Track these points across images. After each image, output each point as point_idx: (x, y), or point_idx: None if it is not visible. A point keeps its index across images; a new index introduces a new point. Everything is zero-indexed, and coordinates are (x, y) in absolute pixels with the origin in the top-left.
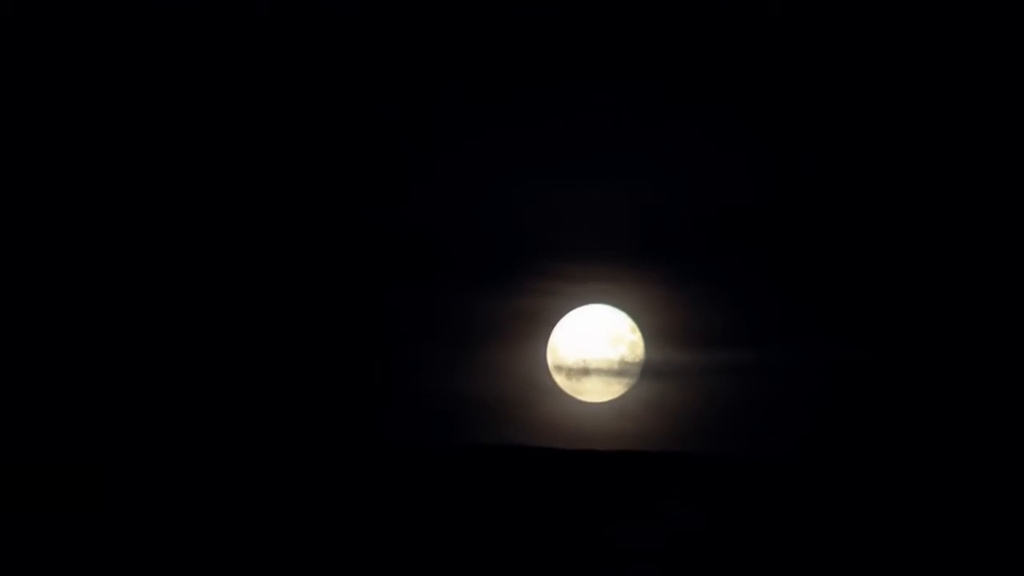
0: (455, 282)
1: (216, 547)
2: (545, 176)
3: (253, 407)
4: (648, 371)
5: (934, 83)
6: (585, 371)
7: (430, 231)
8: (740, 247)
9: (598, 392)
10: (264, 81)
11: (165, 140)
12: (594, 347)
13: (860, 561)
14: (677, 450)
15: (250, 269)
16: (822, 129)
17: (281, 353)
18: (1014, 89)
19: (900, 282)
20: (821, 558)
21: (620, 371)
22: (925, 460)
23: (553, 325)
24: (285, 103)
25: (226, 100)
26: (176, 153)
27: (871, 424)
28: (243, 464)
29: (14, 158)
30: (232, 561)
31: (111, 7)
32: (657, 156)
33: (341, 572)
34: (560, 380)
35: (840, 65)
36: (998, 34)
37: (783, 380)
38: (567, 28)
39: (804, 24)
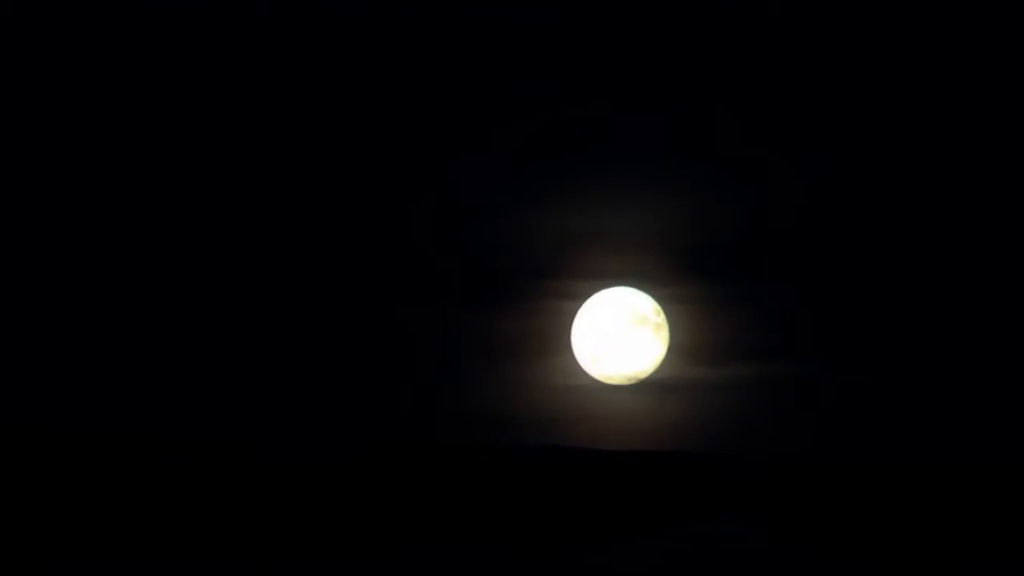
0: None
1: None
2: (564, 196)
3: (309, 424)
4: (671, 356)
5: (971, 123)
6: (609, 354)
7: (451, 250)
8: (765, 264)
9: (622, 375)
10: (265, 84)
11: (163, 141)
12: (618, 327)
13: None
14: (698, 450)
15: (287, 293)
16: (851, 151)
17: (329, 375)
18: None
19: (916, 298)
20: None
21: (643, 354)
22: (941, 470)
23: (577, 309)
24: (290, 109)
25: (226, 103)
26: (174, 156)
27: (884, 434)
28: (293, 480)
29: (16, 157)
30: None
31: (111, 7)
32: (679, 174)
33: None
34: (585, 362)
35: (871, 91)
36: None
37: (806, 391)
38: (584, 39)
39: (824, 40)
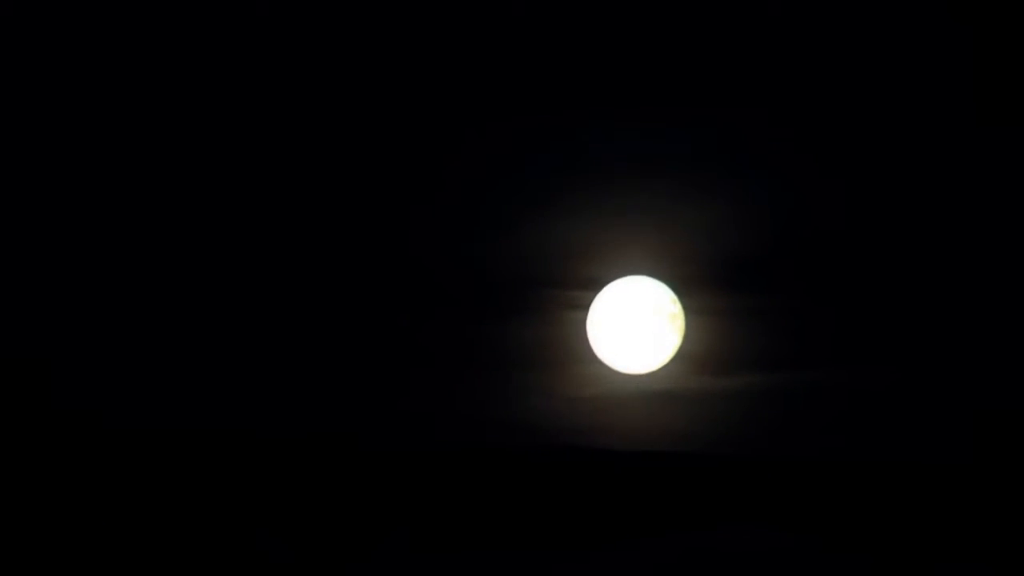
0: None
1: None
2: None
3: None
4: (687, 346)
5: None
6: (625, 341)
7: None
8: (782, 278)
9: (638, 364)
10: (269, 91)
11: (161, 141)
12: (634, 317)
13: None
14: (722, 451)
15: (301, 300)
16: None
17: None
18: None
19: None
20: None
21: (659, 345)
22: (958, 473)
23: (593, 297)
24: (302, 117)
25: (227, 105)
26: (175, 164)
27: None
28: (314, 489)
29: (14, 156)
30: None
31: (111, 6)
32: (691, 187)
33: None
34: (600, 351)
35: (893, 99)
36: None
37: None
38: (605, 41)
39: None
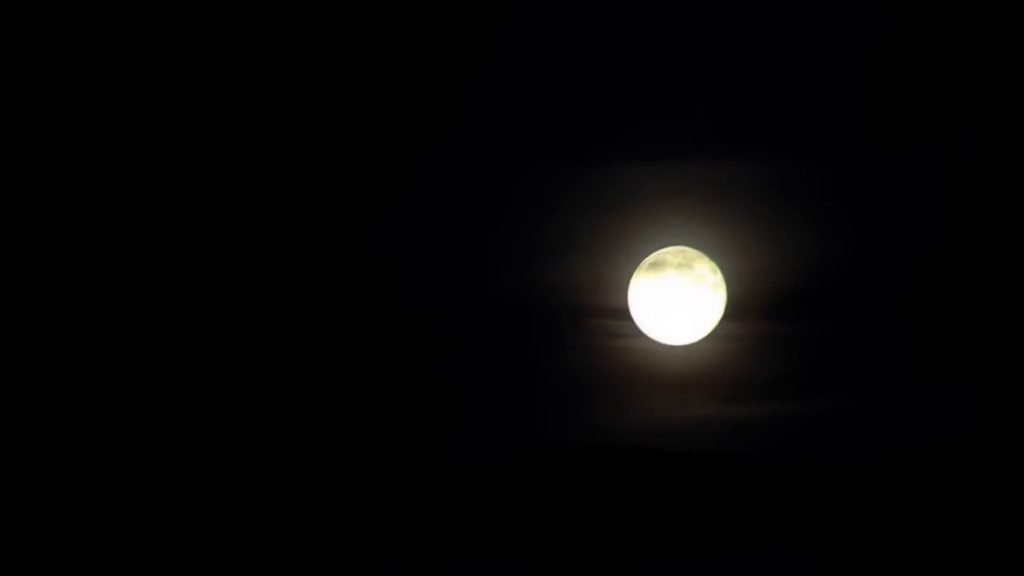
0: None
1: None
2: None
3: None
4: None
5: None
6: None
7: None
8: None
9: (678, 334)
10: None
11: (160, 143)
12: (676, 289)
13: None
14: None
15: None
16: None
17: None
18: None
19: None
20: None
21: (702, 315)
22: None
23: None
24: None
25: (230, 119)
26: (174, 160)
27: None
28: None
29: (15, 157)
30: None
31: (110, 5)
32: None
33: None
34: (642, 320)
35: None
36: None
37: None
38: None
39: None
